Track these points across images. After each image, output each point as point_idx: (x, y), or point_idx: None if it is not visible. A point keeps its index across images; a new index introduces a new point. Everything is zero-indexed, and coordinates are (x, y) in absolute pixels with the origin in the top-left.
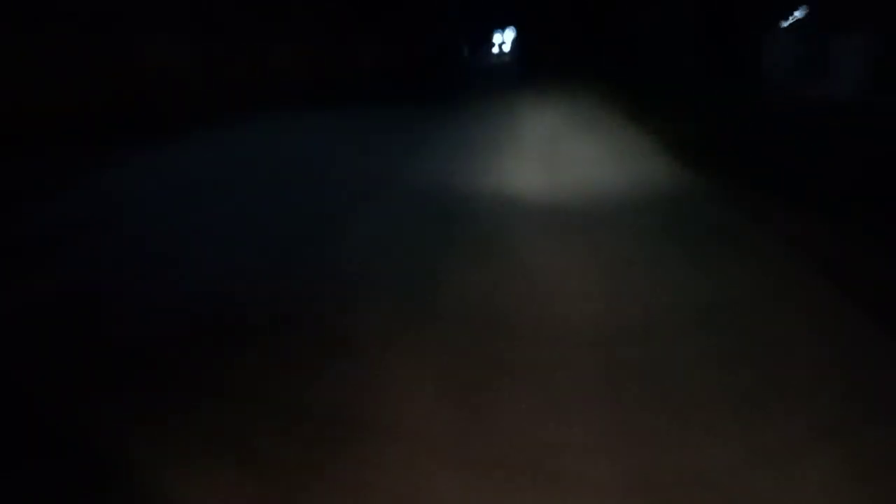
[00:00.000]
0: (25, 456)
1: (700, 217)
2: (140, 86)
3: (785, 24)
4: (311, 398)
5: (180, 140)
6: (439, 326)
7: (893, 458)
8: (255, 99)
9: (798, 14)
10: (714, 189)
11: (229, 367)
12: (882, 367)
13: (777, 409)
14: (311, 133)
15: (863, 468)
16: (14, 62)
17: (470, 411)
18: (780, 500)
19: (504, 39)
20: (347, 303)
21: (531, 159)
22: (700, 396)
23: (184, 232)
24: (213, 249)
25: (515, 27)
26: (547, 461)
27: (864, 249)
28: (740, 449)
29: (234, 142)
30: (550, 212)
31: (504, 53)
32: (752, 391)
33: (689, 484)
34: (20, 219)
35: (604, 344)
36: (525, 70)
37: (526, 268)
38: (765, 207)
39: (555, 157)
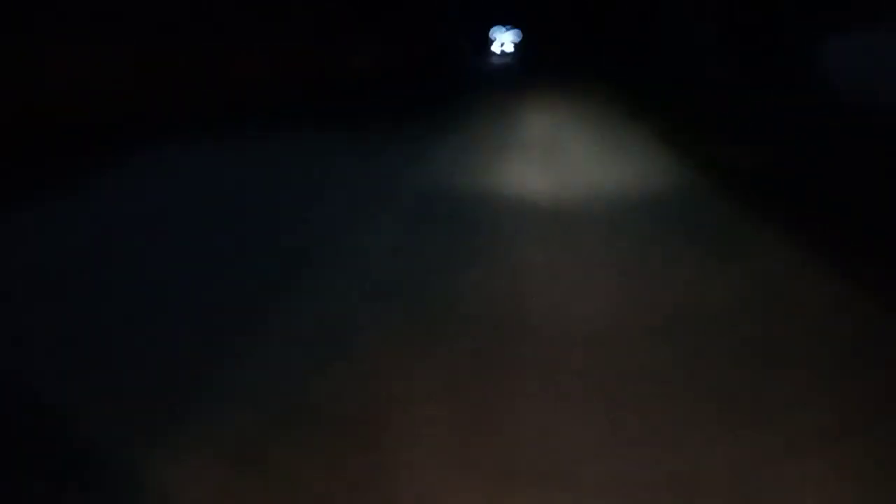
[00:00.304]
0: None
1: None
2: (51, 99)
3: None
4: None
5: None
6: None
7: None
8: (208, 114)
9: None
10: None
11: None
12: None
13: None
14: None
15: None
16: None
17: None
18: None
19: (506, 41)
20: None
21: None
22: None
23: None
24: None
25: (517, 28)
26: None
27: None
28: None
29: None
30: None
31: (506, 54)
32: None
33: None
34: None
35: None
36: (526, 72)
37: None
38: None
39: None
